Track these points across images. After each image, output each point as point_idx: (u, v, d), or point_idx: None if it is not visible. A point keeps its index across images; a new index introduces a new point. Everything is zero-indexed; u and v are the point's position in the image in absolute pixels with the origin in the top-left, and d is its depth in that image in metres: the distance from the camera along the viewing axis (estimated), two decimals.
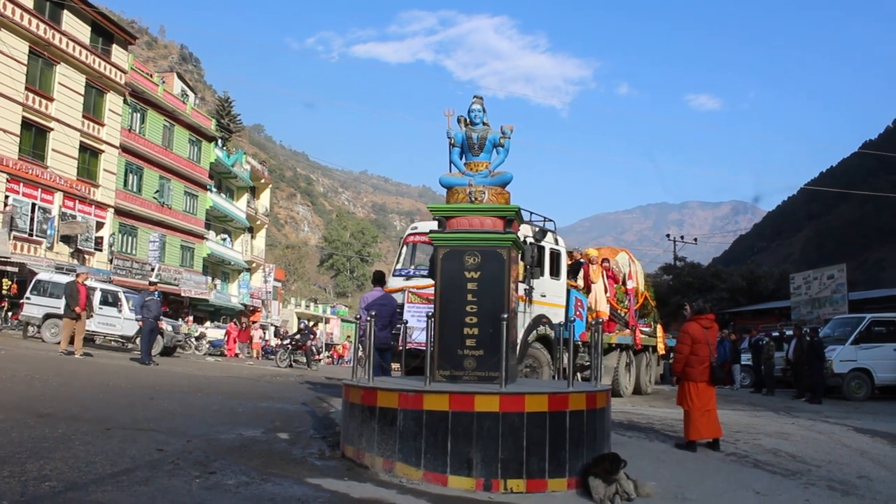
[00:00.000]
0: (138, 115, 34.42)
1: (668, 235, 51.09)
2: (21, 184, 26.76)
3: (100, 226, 31.23)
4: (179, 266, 37.90)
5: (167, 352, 21.28)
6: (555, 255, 12.82)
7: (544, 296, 12.22)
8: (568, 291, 13.29)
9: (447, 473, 5.64)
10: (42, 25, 27.62)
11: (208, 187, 41.20)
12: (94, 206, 30.72)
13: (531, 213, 12.57)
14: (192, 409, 8.49)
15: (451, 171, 7.32)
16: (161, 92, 36.35)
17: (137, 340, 20.57)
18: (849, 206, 76.22)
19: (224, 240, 45.52)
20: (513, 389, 6.02)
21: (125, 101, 32.86)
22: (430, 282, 11.51)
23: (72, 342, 14.85)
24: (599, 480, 5.56)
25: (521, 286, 11.10)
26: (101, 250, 31.23)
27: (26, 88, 26.91)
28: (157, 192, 35.83)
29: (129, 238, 34.10)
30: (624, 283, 15.65)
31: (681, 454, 7.85)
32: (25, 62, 26.88)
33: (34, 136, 27.67)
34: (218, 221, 44.33)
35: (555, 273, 12.79)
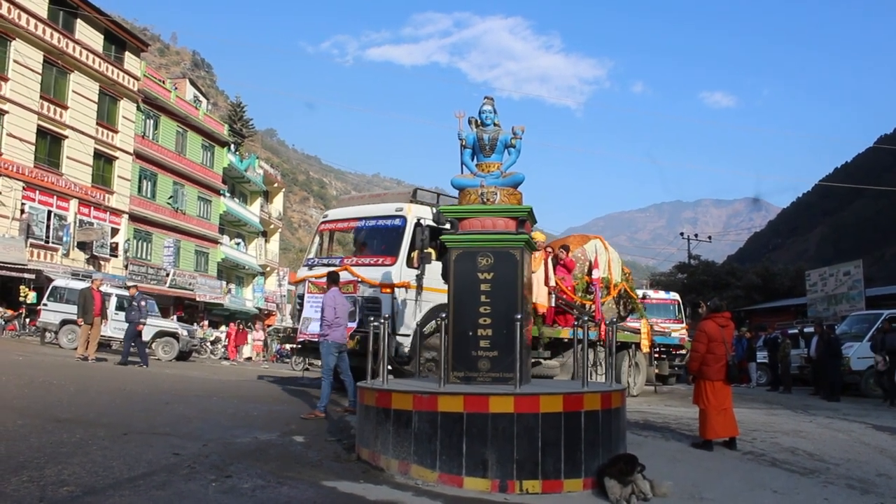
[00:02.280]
0: (151, 121, 34.65)
1: (682, 234, 50.88)
2: (37, 191, 27.03)
3: (115, 232, 31.47)
4: (194, 271, 38.10)
5: (183, 356, 21.39)
6: None
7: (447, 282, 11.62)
8: None
9: (462, 475, 5.63)
10: (56, 34, 27.88)
11: (222, 192, 41.39)
12: (108, 213, 30.96)
13: (438, 194, 12.18)
14: (207, 413, 8.53)
15: (462, 172, 7.33)
16: (174, 98, 36.58)
17: (153, 345, 20.78)
18: (864, 202, 75.43)
19: (238, 244, 45.71)
20: (527, 390, 6.01)
21: (138, 108, 33.11)
22: (339, 268, 11.45)
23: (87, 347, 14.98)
24: (615, 481, 5.53)
25: (413, 272, 10.83)
26: (116, 256, 31.45)
27: (41, 97, 27.18)
28: (170, 197, 36.04)
29: (144, 244, 34.33)
30: (589, 273, 14.03)
31: (697, 453, 7.80)
32: (40, 71, 27.16)
33: (49, 144, 27.93)
34: (232, 226, 44.53)
35: None
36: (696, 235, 49.70)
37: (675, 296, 24.14)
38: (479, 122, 7.32)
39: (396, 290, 10.71)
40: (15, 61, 25.97)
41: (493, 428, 5.65)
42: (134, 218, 32.96)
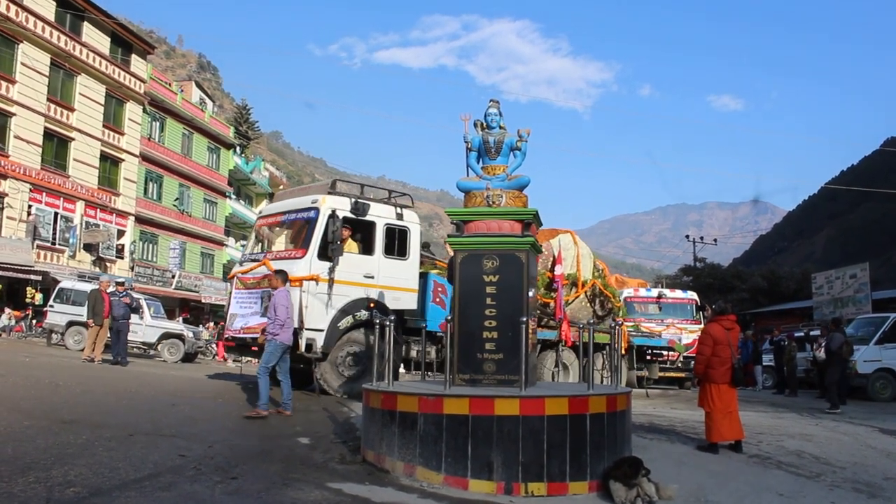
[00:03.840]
0: (157, 123, 34.77)
1: (687, 236, 50.70)
2: (44, 193, 27.14)
3: (121, 234, 31.59)
4: (200, 273, 38.19)
5: (188, 358, 21.42)
6: (398, 233, 11.60)
7: (371, 277, 11.10)
8: (426, 275, 12.03)
9: (468, 477, 5.63)
10: (63, 37, 28.00)
11: (227, 194, 41.49)
12: (115, 215, 31.06)
13: (362, 185, 11.94)
14: (213, 414, 8.54)
15: (468, 174, 7.34)
16: (180, 100, 36.69)
17: (159, 347, 20.82)
18: (871, 205, 75.16)
19: (243, 246, 45.73)
20: (533, 392, 6.00)
21: (144, 111, 33.22)
22: (254, 264, 11.26)
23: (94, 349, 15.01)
24: (620, 484, 5.53)
25: (324, 263, 10.51)
26: (122, 258, 31.57)
27: (48, 99, 27.31)
28: (176, 199, 36.14)
29: (150, 245, 34.43)
30: (552, 269, 13.00)
31: (703, 456, 7.79)
32: (47, 73, 27.28)
33: (56, 146, 28.05)
34: (237, 228, 44.61)
35: (401, 252, 11.60)
36: (701, 238, 49.52)
37: (692, 295, 22.94)
38: (484, 124, 7.33)
39: (306, 283, 10.35)
40: (22, 64, 26.09)
41: (498, 430, 5.65)
42: (140, 220, 33.06)
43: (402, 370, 12.85)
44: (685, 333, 19.91)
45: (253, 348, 10.81)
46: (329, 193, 11.17)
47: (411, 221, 11.90)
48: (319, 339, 10.43)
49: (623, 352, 14.55)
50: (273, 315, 8.70)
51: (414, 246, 11.80)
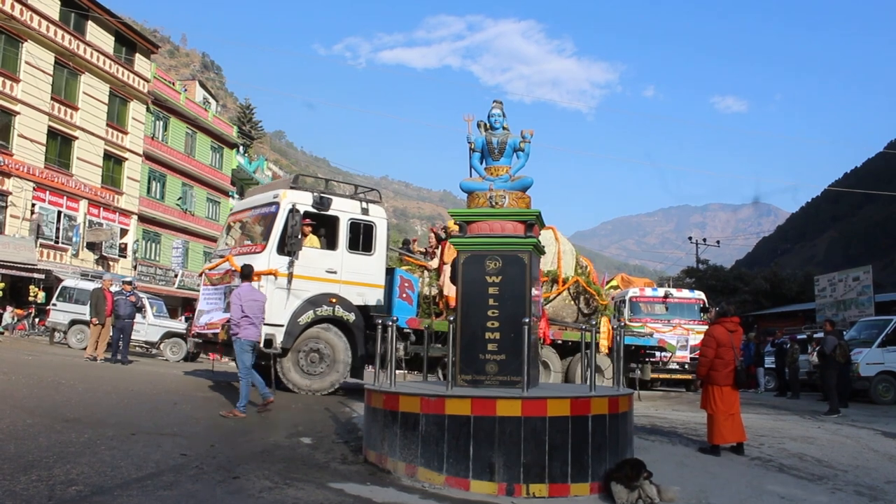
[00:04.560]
0: (161, 123, 34.83)
1: (690, 238, 50.63)
2: (47, 192, 27.19)
3: (124, 233, 31.65)
4: None
5: (191, 357, 21.42)
6: (363, 228, 11.50)
7: (333, 272, 11.03)
8: (393, 270, 11.87)
9: (469, 478, 5.64)
10: (67, 36, 28.05)
11: (230, 194, 41.53)
12: (118, 214, 31.12)
13: (326, 180, 11.84)
14: (215, 414, 8.54)
15: (471, 175, 7.34)
16: (183, 100, 36.75)
17: (161, 346, 20.83)
18: (874, 207, 75.09)
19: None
20: (535, 394, 6.00)
21: (148, 110, 33.28)
22: (220, 260, 11.25)
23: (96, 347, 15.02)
24: (622, 486, 5.53)
25: (283, 258, 10.46)
26: (125, 257, 31.62)
27: (52, 98, 27.36)
28: (179, 198, 36.20)
29: (153, 244, 34.48)
30: None
31: (704, 458, 7.78)
32: (51, 72, 27.33)
33: (60, 144, 28.10)
34: None
35: (367, 248, 11.50)
36: (704, 240, 49.40)
37: (699, 295, 22.23)
38: (488, 125, 7.33)
39: (265, 278, 10.30)
40: (27, 62, 26.14)
41: (500, 431, 5.65)
42: (143, 219, 33.12)
43: (368, 368, 12.77)
44: (692, 334, 19.51)
45: (217, 344, 10.88)
46: (291, 188, 11.13)
47: (377, 216, 11.76)
48: (279, 335, 10.37)
49: (605, 351, 13.78)
50: (242, 314, 8.55)
51: (380, 241, 11.69)
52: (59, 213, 27.92)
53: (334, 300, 10.90)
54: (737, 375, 8.09)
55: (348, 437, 7.63)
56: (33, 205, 26.48)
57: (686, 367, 19.32)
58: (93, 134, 29.42)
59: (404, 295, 11.75)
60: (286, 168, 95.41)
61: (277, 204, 10.82)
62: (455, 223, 7.45)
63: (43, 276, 25.64)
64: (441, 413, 5.81)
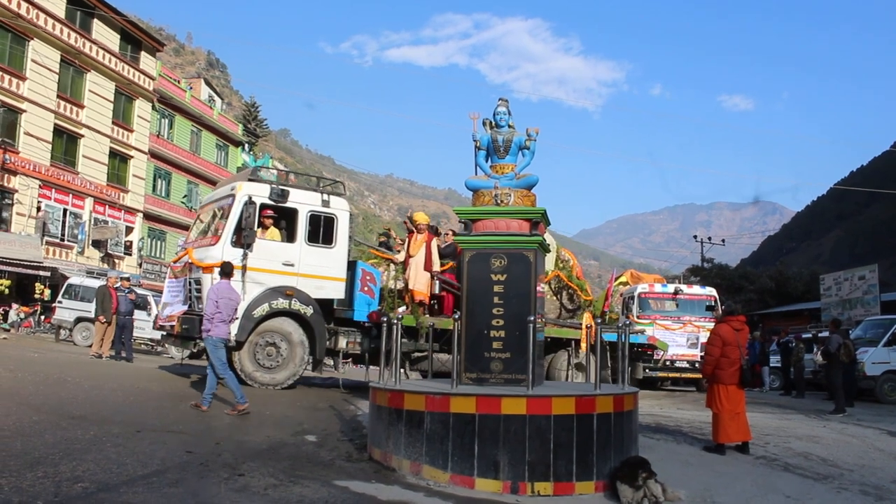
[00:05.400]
0: (166, 120, 34.91)
1: (695, 237, 50.46)
2: (53, 190, 27.28)
3: (129, 230, 31.73)
4: None
5: (196, 354, 21.44)
6: (324, 220, 11.37)
7: (291, 265, 10.92)
8: (354, 263, 11.76)
9: (474, 476, 5.63)
10: (73, 34, 28.12)
11: None
12: (123, 211, 31.21)
13: (288, 172, 11.74)
14: (219, 411, 8.55)
15: (476, 173, 7.33)
16: (189, 98, 36.81)
17: (167, 343, 20.84)
18: (880, 206, 74.83)
19: None
20: (540, 392, 6.00)
21: (153, 108, 33.35)
22: (182, 253, 11.27)
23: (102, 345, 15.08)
24: (627, 485, 5.52)
25: (237, 251, 10.34)
26: (130, 254, 31.69)
27: (58, 96, 27.44)
28: (185, 196, 36.27)
29: (158, 242, 34.57)
30: None
31: (709, 457, 7.77)
32: (57, 70, 27.41)
33: (66, 142, 28.19)
34: None
35: (327, 240, 11.36)
36: (709, 238, 49.23)
37: (711, 291, 21.13)
38: (493, 123, 7.32)
39: (216, 270, 10.00)
40: (33, 60, 26.21)
41: (505, 429, 5.65)
42: (148, 217, 33.20)
43: (327, 360, 12.63)
44: (703, 332, 19.05)
45: (174, 336, 10.95)
46: (249, 180, 11.06)
47: (339, 209, 11.61)
48: (233, 328, 10.12)
49: (583, 349, 12.65)
50: (215, 310, 8.41)
51: (342, 234, 11.54)
52: (65, 210, 28.01)
53: (291, 293, 10.79)
54: (742, 374, 8.07)
55: (353, 434, 7.64)
56: (39, 202, 26.56)
57: (696, 365, 19.04)
58: (98, 132, 29.49)
59: (366, 288, 11.61)
60: (291, 166, 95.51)
61: (234, 196, 10.76)
62: (459, 220, 7.43)
63: (48, 274, 25.73)
64: (446, 411, 5.81)
